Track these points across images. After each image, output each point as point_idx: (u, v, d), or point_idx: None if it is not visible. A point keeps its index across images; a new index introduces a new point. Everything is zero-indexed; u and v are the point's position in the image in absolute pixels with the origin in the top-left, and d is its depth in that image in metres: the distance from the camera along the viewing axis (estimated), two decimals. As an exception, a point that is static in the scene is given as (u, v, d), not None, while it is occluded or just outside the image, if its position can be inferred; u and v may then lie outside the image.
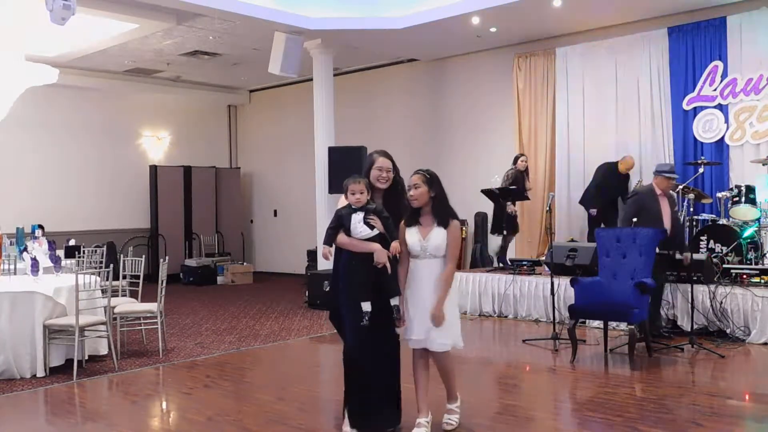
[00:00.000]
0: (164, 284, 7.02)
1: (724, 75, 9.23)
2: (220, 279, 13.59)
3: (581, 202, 10.03)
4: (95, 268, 8.57)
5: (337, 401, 4.75)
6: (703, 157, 8.89)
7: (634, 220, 6.80)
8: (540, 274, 8.72)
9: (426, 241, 4.23)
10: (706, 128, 9.39)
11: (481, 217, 11.46)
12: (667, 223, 6.90)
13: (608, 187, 9.63)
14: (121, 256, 8.20)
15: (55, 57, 11.34)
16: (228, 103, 15.83)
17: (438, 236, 4.24)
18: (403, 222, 4.33)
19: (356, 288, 4.22)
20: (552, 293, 7.36)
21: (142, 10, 9.32)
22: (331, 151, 10.56)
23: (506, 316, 8.80)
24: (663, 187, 6.98)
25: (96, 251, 9.34)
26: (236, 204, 15.30)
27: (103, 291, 6.64)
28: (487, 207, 10.61)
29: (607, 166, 9.74)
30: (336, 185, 10.43)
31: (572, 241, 9.65)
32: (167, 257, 7.42)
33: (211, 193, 14.83)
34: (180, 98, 14.66)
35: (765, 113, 8.92)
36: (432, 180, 4.30)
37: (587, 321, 7.80)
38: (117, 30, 10.39)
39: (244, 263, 14.34)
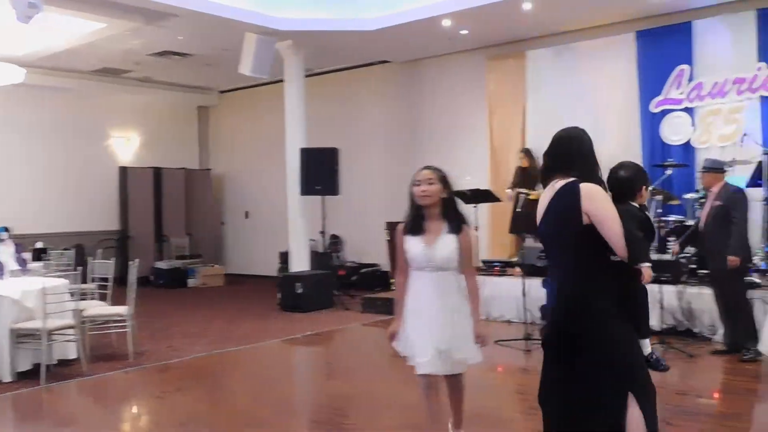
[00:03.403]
0: (134, 287, 6.94)
1: (691, 78, 9.38)
2: (191, 281, 13.45)
3: None
4: (63, 270, 8.43)
5: (313, 404, 4.73)
6: (670, 159, 9.02)
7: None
8: (512, 275, 8.78)
9: (432, 250, 3.64)
10: (674, 131, 9.53)
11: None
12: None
13: None
14: (90, 258, 8.08)
15: (21, 56, 11.13)
16: (198, 104, 15.68)
17: (447, 245, 3.63)
18: (400, 227, 3.80)
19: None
20: (524, 294, 7.42)
21: (110, 9, 9.19)
22: (304, 152, 10.52)
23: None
24: (705, 183, 6.95)
25: (64, 254, 9.22)
26: (207, 206, 15.16)
27: (72, 294, 6.54)
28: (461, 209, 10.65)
29: None
30: (308, 187, 10.41)
31: (543, 242, 9.72)
32: (137, 260, 7.33)
33: (182, 195, 14.67)
34: (149, 99, 14.48)
35: (730, 116, 9.08)
36: (446, 179, 3.78)
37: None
38: (85, 29, 10.23)
39: (216, 265, 14.22)
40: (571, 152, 3.20)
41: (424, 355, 3.63)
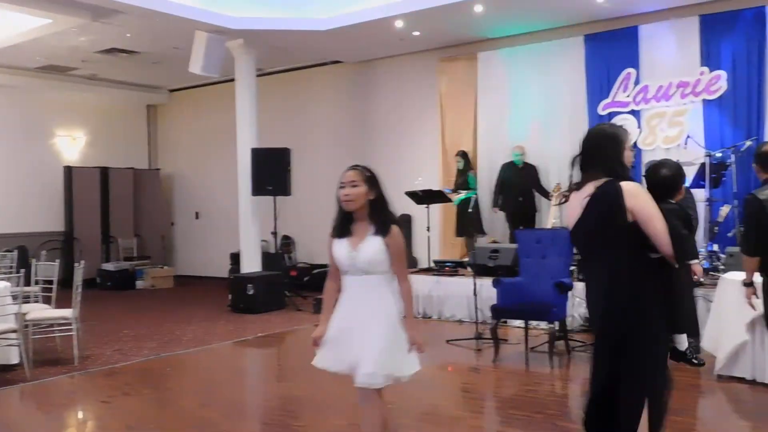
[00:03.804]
0: (80, 289, 6.77)
1: (637, 82, 9.60)
2: (139, 283, 13.21)
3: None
4: (5, 273, 8.19)
5: (264, 406, 4.69)
6: (617, 161, 9.20)
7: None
8: (463, 275, 8.85)
9: (356, 253, 3.43)
10: (621, 133, 9.73)
11: (405, 219, 11.54)
12: None
13: (509, 184, 9.92)
14: (34, 260, 7.87)
15: (-40, 52, 10.81)
16: (147, 102, 15.41)
17: (371, 247, 3.41)
18: (330, 231, 3.59)
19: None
20: (475, 294, 7.48)
21: (55, 4, 8.98)
22: (255, 152, 10.44)
23: (430, 317, 8.89)
24: None
25: (6, 255, 8.95)
26: (156, 206, 14.90)
27: (14, 297, 6.35)
28: (412, 209, 10.70)
29: (504, 165, 10.15)
30: (260, 187, 10.32)
31: (494, 242, 9.85)
32: (83, 261, 7.16)
33: (130, 195, 14.39)
34: (96, 97, 14.18)
35: (674, 119, 9.33)
36: (372, 179, 3.53)
37: (509, 320, 7.96)
38: (29, 25, 9.97)
39: (165, 267, 13.99)
40: (590, 150, 3.22)
41: (339, 364, 3.46)
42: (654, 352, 3.10)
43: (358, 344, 3.37)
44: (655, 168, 3.79)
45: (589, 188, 3.12)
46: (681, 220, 3.37)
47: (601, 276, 3.16)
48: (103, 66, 12.51)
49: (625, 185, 3.04)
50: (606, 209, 3.06)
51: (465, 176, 10.23)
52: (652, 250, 3.02)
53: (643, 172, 9.02)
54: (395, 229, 3.46)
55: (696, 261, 3.36)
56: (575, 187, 3.24)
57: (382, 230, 3.42)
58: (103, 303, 10.99)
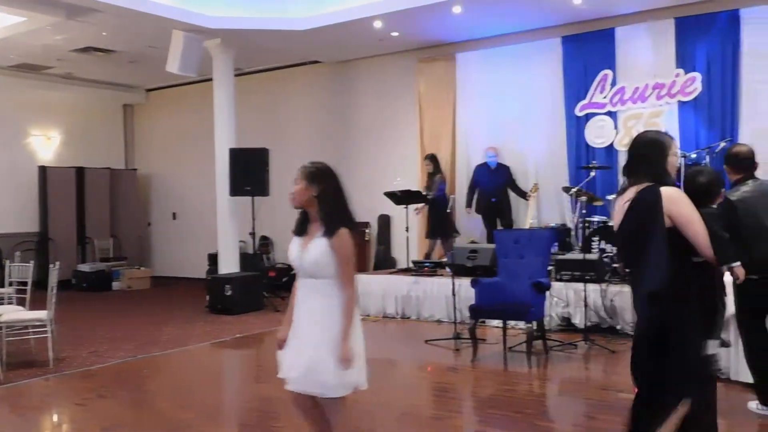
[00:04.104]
0: (55, 291, 6.69)
1: (614, 83, 9.69)
2: (115, 285, 13.07)
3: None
4: (-22, 274, 8.07)
5: (243, 407, 4.66)
6: (594, 162, 9.28)
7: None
8: (442, 275, 8.87)
9: (303, 253, 3.27)
10: (598, 134, 9.82)
11: (384, 220, 11.56)
12: (615, 224, 6.76)
13: (483, 185, 9.97)
14: (8, 261, 7.76)
15: (-68, 50, 10.63)
16: (124, 102, 15.27)
17: (316, 249, 3.23)
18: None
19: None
20: (453, 294, 7.50)
21: (30, 2, 8.87)
22: (233, 152, 10.38)
23: (409, 317, 8.90)
24: None
25: (-21, 257, 8.82)
26: (133, 206, 14.77)
27: (-12, 299, 6.26)
28: (391, 210, 10.73)
29: (478, 166, 10.18)
30: (238, 187, 10.27)
31: (473, 242, 9.88)
32: (58, 262, 7.07)
33: (106, 196, 14.24)
34: (72, 96, 14.02)
35: (650, 120, 9.42)
36: (315, 174, 3.35)
37: (487, 320, 7.99)
38: (2, 23, 9.84)
39: (142, 268, 13.87)
40: (635, 156, 3.26)
41: (287, 370, 3.31)
42: (695, 357, 3.11)
43: (295, 350, 3.27)
44: (692, 175, 3.90)
45: (630, 193, 3.17)
46: (721, 223, 3.45)
47: (641, 281, 3.19)
48: (78, 65, 12.38)
49: (665, 190, 3.07)
50: (645, 214, 3.10)
51: (432, 179, 10.24)
52: (695, 254, 3.06)
53: (621, 173, 9.14)
54: (342, 230, 3.23)
55: (738, 264, 3.41)
56: (620, 192, 3.30)
57: (328, 231, 3.22)
58: (79, 304, 10.87)
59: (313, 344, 3.19)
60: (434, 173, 10.24)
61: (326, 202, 3.28)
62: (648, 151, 3.21)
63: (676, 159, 3.26)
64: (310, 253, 3.24)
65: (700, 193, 3.72)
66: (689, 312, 3.08)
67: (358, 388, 3.29)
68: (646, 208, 3.09)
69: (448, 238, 9.93)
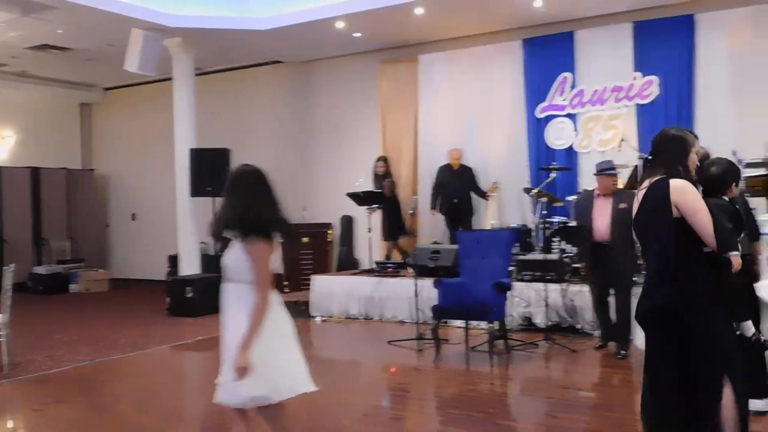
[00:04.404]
0: (9, 293, 6.54)
1: (573, 86, 9.82)
2: (73, 287, 12.84)
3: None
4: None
5: (203, 411, 4.60)
6: (554, 163, 9.39)
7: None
8: (405, 276, 8.89)
9: (225, 257, 3.31)
10: (558, 136, 9.94)
11: (347, 221, 11.54)
12: (598, 225, 6.51)
13: (445, 186, 10.02)
14: (-40, 264, 7.56)
15: None
16: (81, 100, 14.99)
17: (232, 253, 3.25)
18: None
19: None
20: (416, 295, 7.52)
21: (-18, -2, 8.66)
22: (194, 152, 10.27)
23: (372, 318, 8.90)
24: (602, 187, 6.66)
25: (-70, 259, 8.57)
26: (91, 207, 14.51)
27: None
28: (354, 210, 10.71)
29: (441, 167, 10.21)
30: (199, 188, 10.15)
31: (435, 243, 9.92)
32: (12, 264, 6.90)
33: (63, 196, 13.98)
34: (27, 94, 13.72)
35: (609, 122, 9.57)
36: (230, 180, 3.40)
37: (450, 321, 8.03)
38: (-46, 19, 9.59)
39: (100, 270, 13.63)
40: (656, 151, 3.37)
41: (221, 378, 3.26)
42: (718, 339, 3.18)
43: (223, 357, 3.24)
44: (706, 166, 3.98)
45: (645, 185, 3.33)
46: (728, 214, 3.55)
47: (649, 267, 3.36)
48: (34, 62, 12.11)
49: (674, 182, 3.18)
50: (654, 204, 3.24)
51: (383, 181, 10.25)
52: (704, 243, 3.17)
53: (579, 174, 9.30)
54: (253, 236, 3.20)
55: (736, 253, 3.49)
56: (638, 184, 3.42)
57: (241, 236, 3.20)
58: (35, 308, 10.66)
59: (230, 351, 3.16)
60: (385, 176, 10.21)
61: (240, 207, 3.25)
62: (670, 146, 3.33)
63: (696, 157, 3.35)
64: (228, 257, 3.26)
65: (711, 183, 3.86)
66: (702, 293, 3.16)
67: (258, 401, 3.21)
68: (655, 198, 3.24)
69: (402, 238, 10.03)
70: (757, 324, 3.98)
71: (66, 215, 14.02)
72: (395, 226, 10.20)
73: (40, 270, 12.80)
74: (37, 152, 13.96)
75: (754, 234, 4.71)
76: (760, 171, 6.52)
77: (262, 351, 3.12)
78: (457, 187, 9.96)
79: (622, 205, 6.31)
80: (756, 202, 6.74)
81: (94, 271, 13.35)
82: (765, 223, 5.35)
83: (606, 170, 6.70)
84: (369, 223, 9.83)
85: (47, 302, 11.48)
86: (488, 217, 9.52)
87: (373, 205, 9.84)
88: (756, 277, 4.72)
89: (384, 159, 10.49)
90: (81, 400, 5.64)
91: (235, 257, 3.22)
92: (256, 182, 3.37)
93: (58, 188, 13.91)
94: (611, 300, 6.73)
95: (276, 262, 3.34)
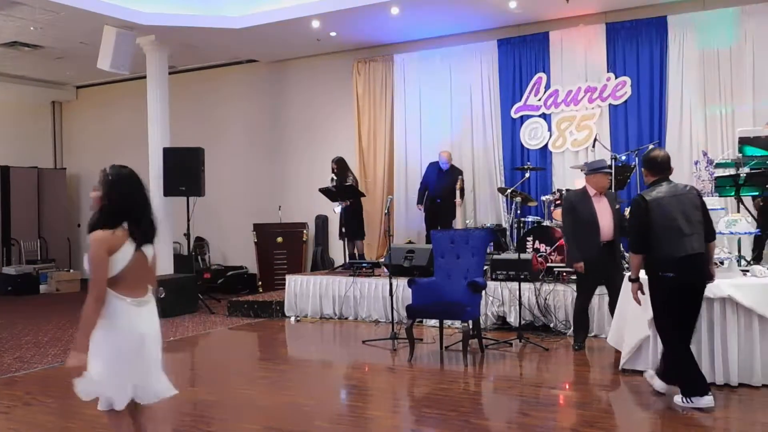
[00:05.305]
0: (-23, 294, 6.42)
1: (548, 86, 9.89)
2: (43, 287, 12.67)
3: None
4: None
5: (176, 412, 4.56)
6: (529, 163, 9.46)
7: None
8: (379, 275, 8.88)
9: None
10: (532, 135, 10.01)
11: (321, 220, 11.50)
12: (604, 224, 6.48)
13: (431, 185, 10.00)
14: (-74, 264, 7.42)
15: None
16: (52, 99, 14.78)
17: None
18: None
19: None
20: (390, 294, 7.51)
21: (-50, -6, 8.50)
22: (167, 152, 10.17)
23: (347, 318, 8.87)
24: (597, 186, 6.55)
25: None
26: (61, 207, 14.32)
27: None
28: (328, 210, 10.67)
29: (430, 165, 10.16)
30: (172, 187, 10.06)
31: (410, 243, 9.93)
32: (-19, 265, 6.80)
33: (33, 196, 13.79)
34: (-4, 92, 13.52)
35: (583, 123, 9.65)
36: (108, 181, 3.43)
37: (424, 320, 8.04)
38: None
39: (71, 270, 13.45)
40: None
41: None
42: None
43: None
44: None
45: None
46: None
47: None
48: (3, 60, 11.93)
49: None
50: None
51: (344, 182, 10.15)
52: None
53: (552, 173, 9.34)
54: (93, 235, 3.15)
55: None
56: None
57: (88, 232, 3.15)
58: (3, 309, 10.52)
59: (90, 354, 3.19)
60: (340, 176, 10.03)
61: (105, 206, 3.29)
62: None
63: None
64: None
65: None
66: None
67: (105, 403, 3.33)
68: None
69: (360, 239, 10.04)
70: None
71: (36, 215, 13.83)
72: (355, 227, 10.05)
73: (10, 270, 12.63)
74: (8, 151, 13.74)
75: (710, 234, 4.82)
76: (730, 171, 6.61)
77: (110, 355, 3.19)
78: (441, 187, 9.92)
79: (617, 205, 6.67)
80: (724, 203, 6.85)
81: (65, 272, 13.18)
82: (733, 223, 5.44)
83: (602, 169, 6.66)
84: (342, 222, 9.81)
85: (16, 303, 11.30)
86: (458, 216, 9.53)
87: (347, 200, 9.79)
88: (711, 278, 4.84)
89: (336, 160, 10.08)
90: (50, 402, 5.55)
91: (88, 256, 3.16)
92: (117, 185, 3.45)
93: (29, 187, 13.72)
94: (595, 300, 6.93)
95: (125, 261, 3.30)
